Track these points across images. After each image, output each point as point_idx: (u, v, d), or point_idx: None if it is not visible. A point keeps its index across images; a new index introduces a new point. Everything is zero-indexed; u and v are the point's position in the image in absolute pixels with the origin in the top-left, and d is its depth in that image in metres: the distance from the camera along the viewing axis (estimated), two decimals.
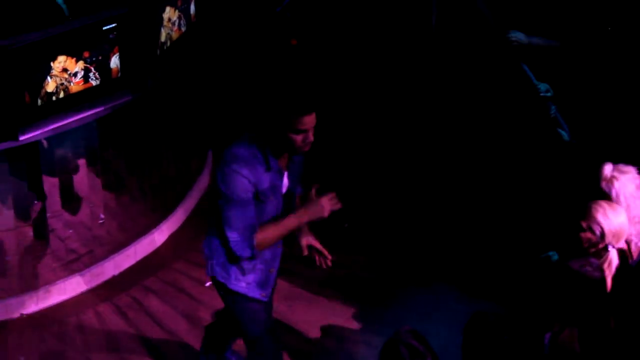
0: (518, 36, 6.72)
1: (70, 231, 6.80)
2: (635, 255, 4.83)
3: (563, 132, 6.83)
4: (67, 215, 6.77)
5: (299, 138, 4.70)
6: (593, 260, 4.45)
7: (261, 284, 5.08)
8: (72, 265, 6.79)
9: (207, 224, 5.18)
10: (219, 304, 6.54)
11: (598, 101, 6.71)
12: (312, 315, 6.51)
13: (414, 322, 6.13)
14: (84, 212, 6.84)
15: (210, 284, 6.77)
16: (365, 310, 6.55)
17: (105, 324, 6.52)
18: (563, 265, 4.40)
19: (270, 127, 4.74)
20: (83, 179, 6.80)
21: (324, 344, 6.30)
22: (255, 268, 5.04)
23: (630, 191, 4.89)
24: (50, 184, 6.64)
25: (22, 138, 6.17)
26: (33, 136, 6.24)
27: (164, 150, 7.34)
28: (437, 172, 7.94)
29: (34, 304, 6.60)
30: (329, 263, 5.14)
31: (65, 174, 6.68)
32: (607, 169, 4.97)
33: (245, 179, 4.72)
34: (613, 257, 4.62)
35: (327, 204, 4.80)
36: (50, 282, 6.67)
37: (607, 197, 4.88)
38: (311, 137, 4.73)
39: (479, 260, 6.93)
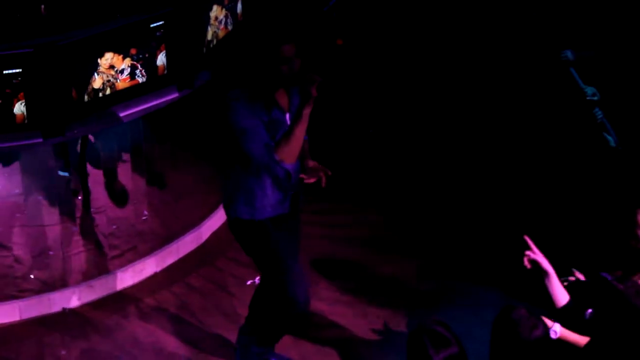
0: (568, 55, 6.77)
1: (114, 227, 6.84)
2: None
3: (609, 137, 6.77)
4: (110, 211, 6.81)
5: (285, 68, 5.10)
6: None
7: (281, 202, 5.42)
8: (115, 261, 6.83)
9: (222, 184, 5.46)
10: None
11: None
12: (356, 320, 6.51)
13: (462, 322, 6.16)
14: (128, 208, 6.88)
15: (252, 282, 6.82)
16: (411, 313, 6.54)
17: (146, 320, 6.55)
18: (609, 284, 4.41)
19: (260, 65, 5.15)
20: (127, 175, 6.84)
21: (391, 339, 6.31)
22: (274, 191, 5.37)
23: None
24: (95, 180, 6.69)
25: (68, 134, 6.21)
26: (79, 132, 6.28)
27: (209, 148, 7.36)
28: (484, 174, 7.91)
29: (76, 299, 6.65)
30: (329, 173, 5.36)
31: (110, 170, 6.72)
32: None
33: (246, 109, 5.13)
34: None
35: (310, 86, 5.07)
36: (93, 277, 6.71)
37: None
38: (297, 65, 5.11)
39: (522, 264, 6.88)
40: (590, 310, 4.77)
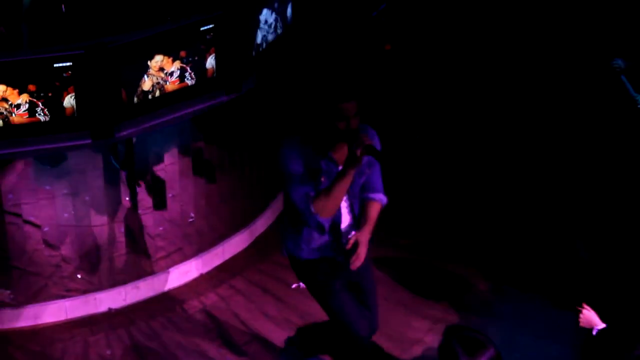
0: (619, 63, 6.77)
1: (161, 228, 6.86)
2: None
3: None
4: (157, 213, 6.84)
5: (342, 125, 4.99)
6: None
7: (331, 247, 5.34)
8: (161, 262, 6.86)
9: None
10: (304, 306, 6.59)
11: None
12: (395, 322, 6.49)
13: (508, 332, 6.11)
14: (175, 210, 6.90)
15: (296, 286, 6.82)
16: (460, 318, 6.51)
17: (191, 322, 6.57)
18: None
19: (317, 117, 5.06)
20: (175, 177, 6.86)
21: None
22: (321, 236, 5.30)
23: None
24: (143, 181, 6.72)
25: (117, 135, 6.25)
26: (128, 133, 6.31)
27: (256, 151, 7.37)
28: (525, 178, 7.87)
29: (122, 300, 6.69)
30: (355, 264, 5.21)
31: (158, 171, 6.75)
32: None
33: (293, 156, 5.09)
34: None
35: (359, 154, 5.00)
36: (139, 278, 6.75)
37: None
38: (353, 124, 4.98)
39: (566, 270, 6.84)
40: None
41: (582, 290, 6.37)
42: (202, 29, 6.41)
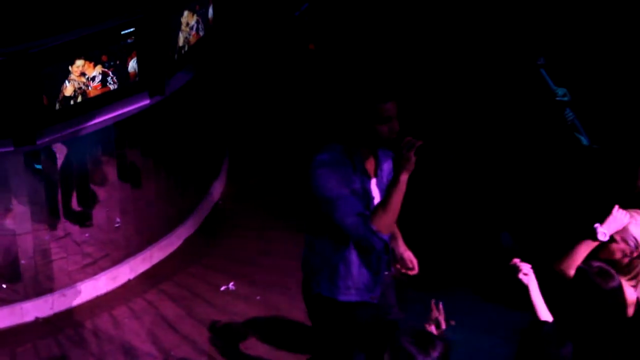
0: (542, 61, 6.84)
1: (87, 235, 6.80)
2: None
3: (582, 137, 6.81)
4: (83, 219, 6.77)
5: (384, 128, 4.67)
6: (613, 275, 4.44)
7: (369, 288, 5.01)
8: (88, 269, 6.79)
9: (304, 245, 5.12)
10: (234, 308, 6.60)
11: (615, 105, 6.71)
12: None
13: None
14: (101, 216, 6.85)
15: (226, 288, 6.81)
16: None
17: (120, 328, 6.53)
18: (581, 271, 4.37)
19: (355, 124, 4.71)
20: (100, 182, 6.81)
21: None
22: (361, 272, 4.95)
23: None
24: (67, 188, 6.65)
25: (39, 142, 6.18)
26: (51, 140, 6.25)
27: (181, 155, 7.34)
28: (453, 176, 7.93)
29: (49, 308, 6.61)
30: (413, 272, 5.06)
31: (82, 177, 6.69)
32: None
33: (334, 176, 4.71)
34: None
35: (412, 156, 4.64)
36: (66, 285, 6.68)
37: None
38: (397, 126, 4.68)
39: (495, 265, 6.93)
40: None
41: (509, 283, 6.45)
42: (122, 32, 6.37)
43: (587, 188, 6.66)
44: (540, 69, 7.02)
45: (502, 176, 7.69)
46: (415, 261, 5.03)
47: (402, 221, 4.88)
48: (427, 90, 8.67)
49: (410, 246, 5.16)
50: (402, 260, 5.03)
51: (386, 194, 4.65)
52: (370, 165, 4.85)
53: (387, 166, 4.94)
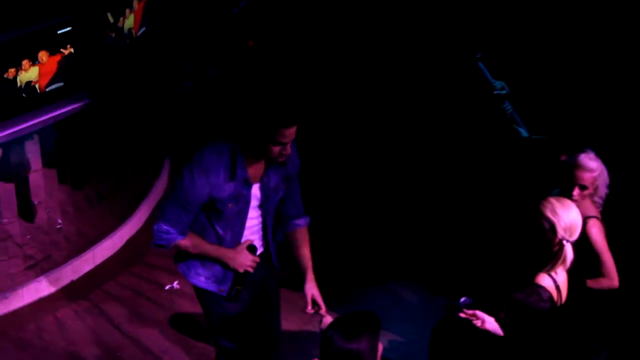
0: (479, 55, 6.88)
1: (28, 237, 6.76)
2: None
3: (521, 129, 6.88)
4: (24, 221, 6.72)
5: (276, 149, 4.64)
6: (541, 290, 4.55)
7: (219, 280, 5.02)
8: (30, 271, 6.74)
9: None
10: (178, 306, 6.58)
11: (556, 97, 6.78)
12: None
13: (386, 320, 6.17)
14: (41, 218, 6.80)
15: (170, 287, 6.80)
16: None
17: (64, 330, 6.49)
18: (510, 298, 4.48)
19: (249, 136, 4.67)
20: (40, 183, 6.76)
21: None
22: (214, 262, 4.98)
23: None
24: (6, 190, 6.59)
25: None
26: None
27: (121, 155, 7.31)
28: (390, 169, 7.98)
29: None
30: (322, 313, 4.94)
31: (22, 179, 6.64)
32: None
33: (198, 188, 4.71)
34: (568, 252, 4.67)
35: (244, 262, 4.86)
36: (8, 288, 6.61)
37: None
38: (288, 150, 4.66)
39: (437, 257, 6.98)
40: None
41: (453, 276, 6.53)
42: (59, 32, 6.33)
43: (526, 179, 6.73)
44: (477, 62, 7.06)
45: (441, 170, 7.75)
46: (320, 301, 4.93)
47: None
48: (360, 84, 8.73)
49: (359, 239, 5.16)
50: (312, 301, 4.94)
51: (208, 247, 4.85)
52: (256, 169, 4.81)
53: (275, 172, 4.88)
